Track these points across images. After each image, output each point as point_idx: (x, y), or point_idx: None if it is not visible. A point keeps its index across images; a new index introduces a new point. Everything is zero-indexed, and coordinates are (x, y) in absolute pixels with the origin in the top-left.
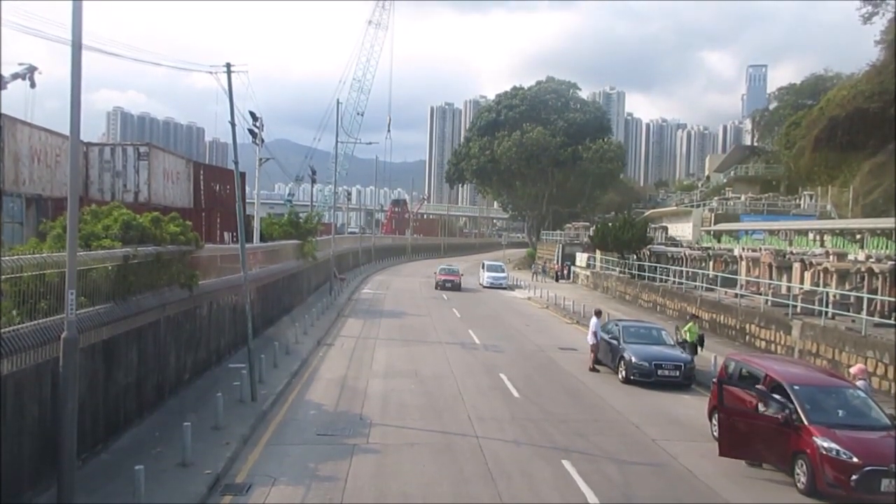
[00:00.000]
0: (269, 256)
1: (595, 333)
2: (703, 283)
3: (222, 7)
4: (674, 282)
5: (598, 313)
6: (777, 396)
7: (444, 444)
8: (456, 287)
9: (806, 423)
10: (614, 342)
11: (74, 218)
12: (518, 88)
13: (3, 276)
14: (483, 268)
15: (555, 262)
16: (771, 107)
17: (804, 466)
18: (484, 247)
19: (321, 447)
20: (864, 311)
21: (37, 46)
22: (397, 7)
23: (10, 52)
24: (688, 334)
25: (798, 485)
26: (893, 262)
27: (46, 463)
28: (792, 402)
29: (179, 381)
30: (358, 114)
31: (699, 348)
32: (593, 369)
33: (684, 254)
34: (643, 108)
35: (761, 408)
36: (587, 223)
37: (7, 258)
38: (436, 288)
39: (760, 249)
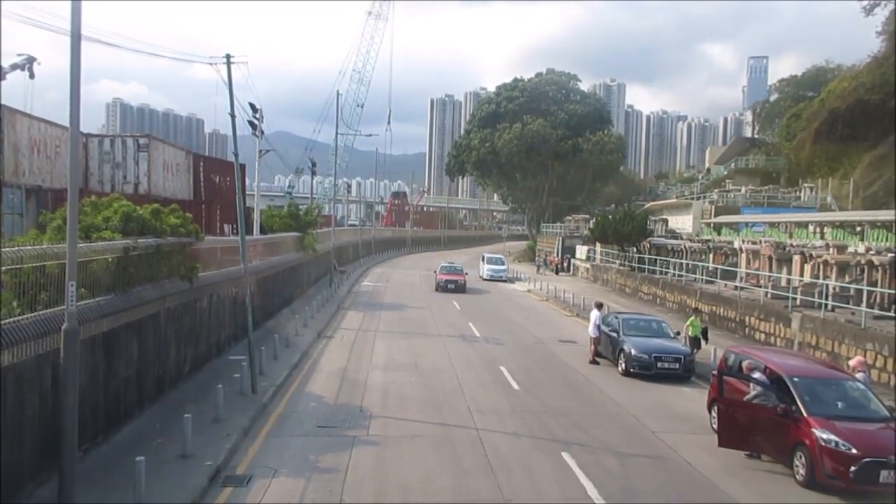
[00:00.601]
0: (269, 249)
1: (597, 326)
2: (702, 275)
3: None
4: (674, 274)
5: (600, 306)
6: (756, 375)
7: (444, 436)
8: (460, 288)
9: (805, 414)
10: (614, 335)
11: (74, 209)
12: (518, 80)
13: (3, 268)
14: (483, 260)
15: (554, 254)
16: (772, 99)
17: (803, 458)
18: (484, 239)
19: (321, 439)
20: (864, 304)
21: (38, 38)
22: None
23: (11, 44)
24: (690, 328)
25: (797, 476)
26: (893, 255)
27: (47, 455)
28: (791, 394)
29: (180, 374)
30: (358, 106)
31: (703, 342)
32: (593, 362)
33: (684, 246)
34: (644, 100)
35: (749, 390)
36: (587, 216)
37: (7, 249)
38: (436, 290)
39: (760, 242)
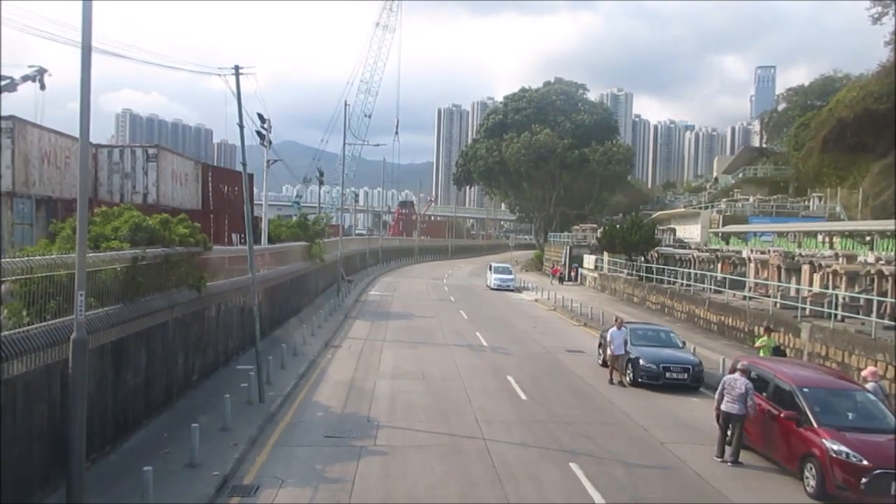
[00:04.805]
0: (276, 258)
1: (607, 343)
2: (711, 285)
3: (230, 9)
4: (682, 284)
5: (620, 323)
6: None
7: (452, 446)
8: None
9: (815, 425)
10: None
11: (84, 219)
12: (526, 90)
13: (13, 277)
14: (491, 270)
15: (559, 265)
16: (779, 108)
17: (813, 469)
18: (491, 248)
19: (329, 449)
20: (874, 314)
21: (61, 50)
22: (410, 9)
23: (32, 54)
24: (762, 350)
25: (807, 488)
26: None
27: (55, 463)
28: (801, 405)
29: (188, 383)
30: (365, 116)
31: None
32: (612, 381)
33: (692, 256)
34: (652, 109)
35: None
36: (595, 225)
37: (17, 259)
38: None
39: (769, 251)
